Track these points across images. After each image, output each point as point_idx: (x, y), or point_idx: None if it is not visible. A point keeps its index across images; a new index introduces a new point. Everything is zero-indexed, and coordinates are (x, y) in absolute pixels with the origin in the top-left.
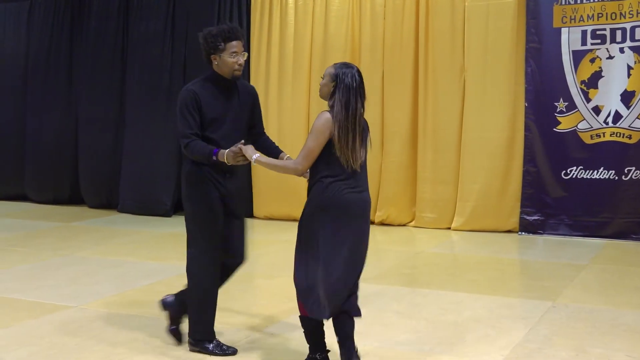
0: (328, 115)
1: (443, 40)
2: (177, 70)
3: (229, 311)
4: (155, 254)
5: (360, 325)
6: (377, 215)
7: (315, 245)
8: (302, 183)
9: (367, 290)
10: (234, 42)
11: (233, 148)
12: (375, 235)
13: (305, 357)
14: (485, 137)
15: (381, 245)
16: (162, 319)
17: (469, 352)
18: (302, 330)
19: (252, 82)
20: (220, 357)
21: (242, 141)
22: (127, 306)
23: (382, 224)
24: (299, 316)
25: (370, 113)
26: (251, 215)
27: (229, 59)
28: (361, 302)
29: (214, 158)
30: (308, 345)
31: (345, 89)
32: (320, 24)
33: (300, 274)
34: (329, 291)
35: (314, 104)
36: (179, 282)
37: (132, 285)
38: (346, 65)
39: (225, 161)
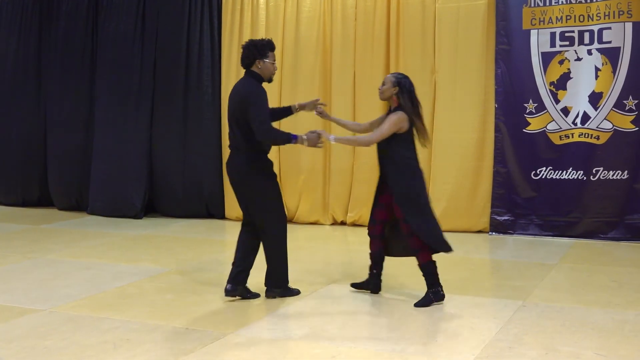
0: (402, 113)
1: (414, 41)
2: (147, 70)
3: (200, 313)
4: (127, 256)
5: (332, 327)
6: (348, 216)
7: (420, 202)
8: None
9: (339, 291)
10: (274, 53)
11: (314, 133)
12: (347, 236)
13: (432, 291)
14: (456, 138)
15: (352, 246)
16: (133, 321)
17: (440, 351)
18: (427, 274)
19: (222, 83)
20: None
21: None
22: (98, 309)
23: (353, 224)
24: (425, 263)
25: (341, 114)
26: (223, 217)
27: (271, 65)
28: (332, 303)
29: (294, 141)
30: (431, 283)
31: (408, 92)
32: (292, 24)
33: (421, 224)
34: (440, 229)
35: (285, 104)
36: (150, 283)
37: (102, 288)
38: (404, 75)
39: (305, 144)
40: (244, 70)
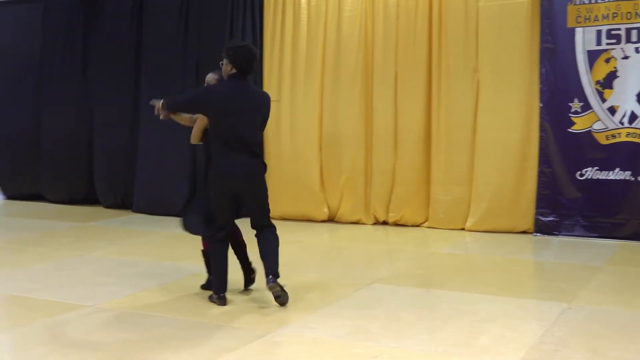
0: None
1: (456, 40)
2: (190, 70)
3: (243, 311)
4: (169, 254)
5: (375, 326)
6: (390, 215)
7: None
8: (317, 183)
9: (382, 290)
10: None
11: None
12: (389, 235)
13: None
14: (499, 138)
15: (394, 245)
16: (176, 318)
17: (483, 353)
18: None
19: (264, 83)
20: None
21: None
22: (142, 306)
23: (395, 224)
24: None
25: (384, 113)
26: None
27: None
28: (375, 303)
29: None
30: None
31: None
32: (333, 24)
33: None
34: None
35: (327, 104)
36: (192, 281)
37: (146, 285)
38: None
39: None
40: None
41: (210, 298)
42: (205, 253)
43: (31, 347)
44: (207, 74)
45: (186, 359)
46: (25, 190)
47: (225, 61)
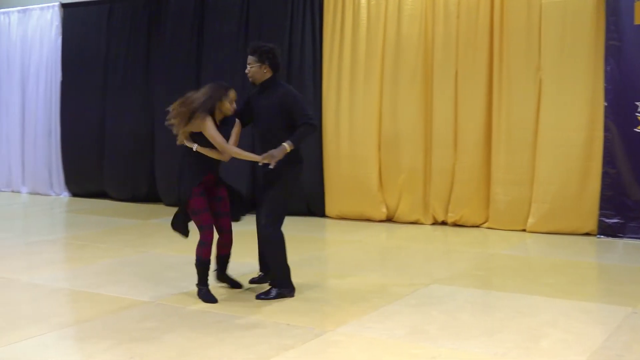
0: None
1: (518, 38)
2: None
3: (300, 310)
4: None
5: (433, 327)
6: (449, 215)
7: None
8: (376, 183)
9: (440, 291)
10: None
11: None
12: (448, 236)
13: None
14: (561, 137)
15: (454, 246)
16: (235, 315)
17: (544, 357)
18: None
19: (323, 83)
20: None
21: None
22: (202, 303)
23: (454, 224)
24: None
25: (444, 113)
26: (323, 215)
27: None
28: (433, 303)
29: None
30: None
31: None
32: (393, 23)
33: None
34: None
35: (386, 104)
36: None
37: None
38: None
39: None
40: (273, 73)
41: (277, 293)
42: (203, 263)
43: (96, 341)
44: None
45: (245, 357)
46: (89, 188)
47: (258, 64)
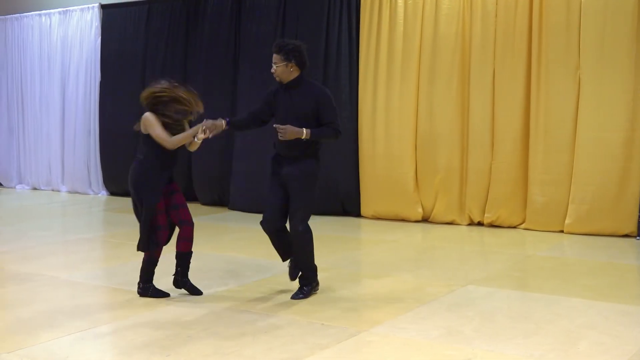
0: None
1: (557, 37)
2: None
3: (335, 309)
4: (265, 251)
5: (468, 328)
6: (486, 216)
7: None
8: (411, 182)
9: (476, 292)
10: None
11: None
12: (484, 237)
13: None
14: (601, 137)
15: (490, 247)
16: (270, 314)
17: (581, 359)
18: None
19: (360, 82)
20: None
21: None
22: (236, 302)
23: (491, 225)
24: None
25: (481, 113)
26: (358, 215)
27: None
28: (469, 304)
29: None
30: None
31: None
32: (430, 22)
33: None
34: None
35: (423, 103)
36: (286, 279)
37: (241, 282)
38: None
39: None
40: (301, 71)
41: (308, 290)
42: (154, 262)
43: (132, 338)
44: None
45: (279, 356)
46: (127, 187)
47: (284, 63)
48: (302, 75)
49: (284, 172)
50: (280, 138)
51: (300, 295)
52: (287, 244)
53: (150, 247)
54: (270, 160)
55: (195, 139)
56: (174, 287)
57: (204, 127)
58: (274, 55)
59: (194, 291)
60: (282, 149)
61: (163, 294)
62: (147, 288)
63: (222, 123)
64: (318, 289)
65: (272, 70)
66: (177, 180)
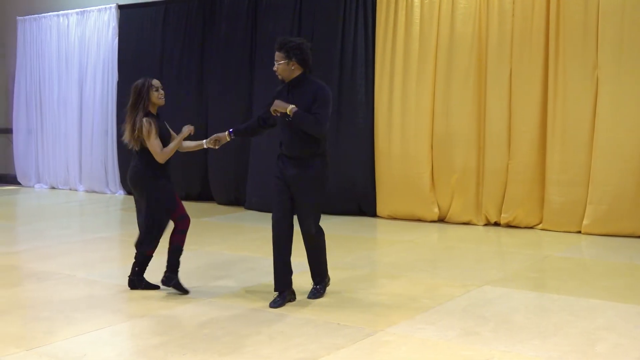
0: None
1: (575, 36)
2: None
3: (351, 309)
4: None
5: (485, 329)
6: (502, 217)
7: None
8: (428, 183)
9: (493, 293)
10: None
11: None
12: (501, 237)
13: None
14: (619, 137)
15: (507, 247)
16: (286, 314)
17: None
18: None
19: (376, 82)
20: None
21: None
22: (252, 301)
23: (508, 225)
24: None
25: (498, 113)
26: (374, 215)
27: None
28: (486, 305)
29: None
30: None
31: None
32: (447, 22)
33: None
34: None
35: (439, 104)
36: (302, 278)
37: (257, 281)
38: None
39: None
40: (303, 70)
41: (322, 287)
42: (147, 259)
43: (149, 337)
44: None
45: (296, 355)
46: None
47: (286, 61)
48: (304, 73)
49: (288, 175)
50: (271, 110)
51: (318, 294)
52: (287, 265)
53: (151, 246)
54: (275, 160)
55: (204, 145)
56: (162, 285)
57: (209, 142)
58: (276, 53)
59: (183, 290)
60: (287, 149)
61: (153, 286)
62: (139, 281)
63: (225, 135)
64: (330, 283)
65: (274, 68)
66: (194, 180)
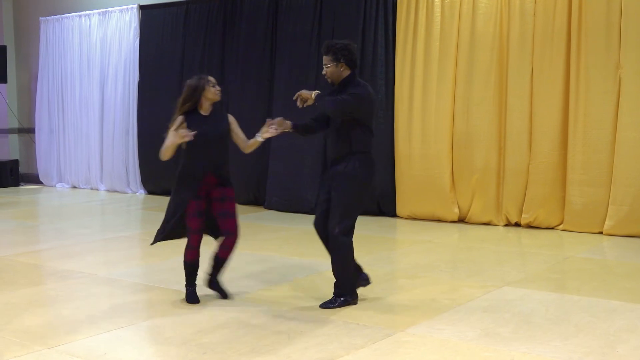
0: None
1: (597, 36)
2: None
3: (371, 309)
4: (301, 250)
5: (505, 330)
6: (523, 217)
7: None
8: (448, 183)
9: (513, 294)
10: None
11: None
12: (522, 238)
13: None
14: None
15: (527, 248)
16: (305, 314)
17: None
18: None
19: (396, 82)
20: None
21: None
22: (272, 301)
23: (528, 226)
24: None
25: (519, 112)
26: (394, 215)
27: None
28: (506, 305)
29: None
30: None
31: None
32: (467, 21)
33: None
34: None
35: (459, 104)
36: (321, 278)
37: (277, 281)
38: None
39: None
40: (352, 70)
41: (339, 301)
42: (188, 266)
43: (169, 336)
44: None
45: (315, 355)
46: (165, 186)
47: (334, 63)
48: (353, 74)
49: (329, 173)
50: (298, 102)
51: (330, 305)
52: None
53: (156, 239)
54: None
55: (260, 138)
56: (204, 286)
57: (271, 124)
58: (324, 57)
59: (224, 295)
60: (328, 149)
61: (193, 300)
62: (186, 290)
63: (289, 124)
64: (355, 303)
65: (324, 72)
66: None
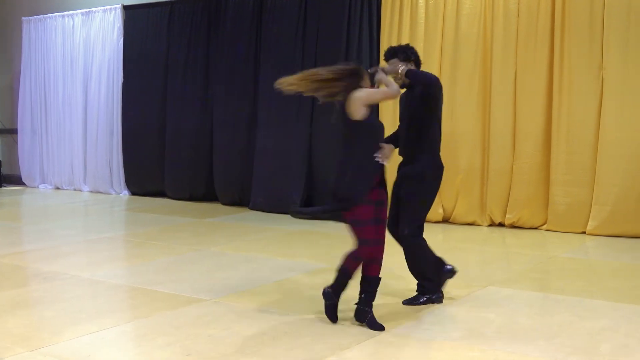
0: None
1: (580, 37)
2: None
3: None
4: (285, 250)
5: (490, 330)
6: (507, 217)
7: None
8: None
9: (498, 294)
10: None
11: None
12: (506, 238)
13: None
14: (625, 138)
15: (511, 248)
16: (290, 315)
17: None
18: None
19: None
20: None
21: None
22: (257, 301)
23: (512, 226)
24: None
25: (503, 113)
26: None
27: None
28: (490, 306)
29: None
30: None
31: None
32: (451, 22)
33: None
34: None
35: (444, 103)
36: (307, 278)
37: (262, 281)
38: None
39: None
40: (418, 68)
41: (422, 299)
42: (347, 275)
43: (153, 337)
44: None
45: (300, 356)
46: (149, 187)
47: (405, 62)
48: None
49: (399, 174)
50: (376, 79)
51: (414, 302)
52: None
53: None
54: None
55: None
56: (354, 319)
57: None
58: (390, 61)
59: (374, 326)
60: (400, 148)
61: (332, 318)
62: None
63: (391, 147)
64: (440, 302)
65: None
66: (198, 181)
